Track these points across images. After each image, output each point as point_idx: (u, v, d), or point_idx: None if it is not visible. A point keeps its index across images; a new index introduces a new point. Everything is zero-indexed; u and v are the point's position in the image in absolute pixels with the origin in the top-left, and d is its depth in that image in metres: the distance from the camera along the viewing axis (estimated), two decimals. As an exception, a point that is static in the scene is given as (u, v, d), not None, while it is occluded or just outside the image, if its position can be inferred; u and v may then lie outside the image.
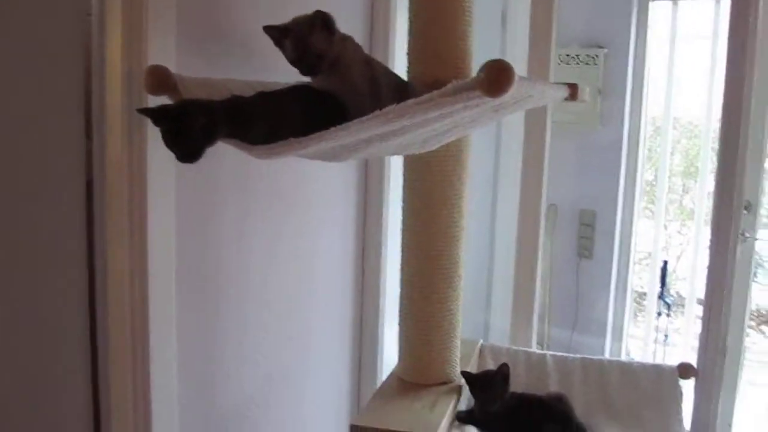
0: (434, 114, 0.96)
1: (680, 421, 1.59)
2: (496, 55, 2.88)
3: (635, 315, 3.85)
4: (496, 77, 0.91)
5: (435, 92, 0.94)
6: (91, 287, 1.37)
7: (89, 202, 1.35)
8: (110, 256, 1.31)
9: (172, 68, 1.27)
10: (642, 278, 3.63)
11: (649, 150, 3.56)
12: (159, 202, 1.32)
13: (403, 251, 1.52)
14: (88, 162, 1.34)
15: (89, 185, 1.35)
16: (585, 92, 1.50)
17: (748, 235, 3.12)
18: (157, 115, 1.06)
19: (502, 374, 1.53)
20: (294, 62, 1.21)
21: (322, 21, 1.20)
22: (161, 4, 1.28)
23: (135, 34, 1.24)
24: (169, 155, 1.32)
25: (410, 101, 0.95)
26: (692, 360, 1.69)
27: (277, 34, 1.22)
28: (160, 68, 1.16)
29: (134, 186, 1.27)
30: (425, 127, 1.02)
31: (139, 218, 1.28)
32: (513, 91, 0.91)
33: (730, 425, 3.31)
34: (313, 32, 1.19)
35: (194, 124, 1.03)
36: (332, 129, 1.00)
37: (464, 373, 1.55)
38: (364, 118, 0.98)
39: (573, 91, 1.43)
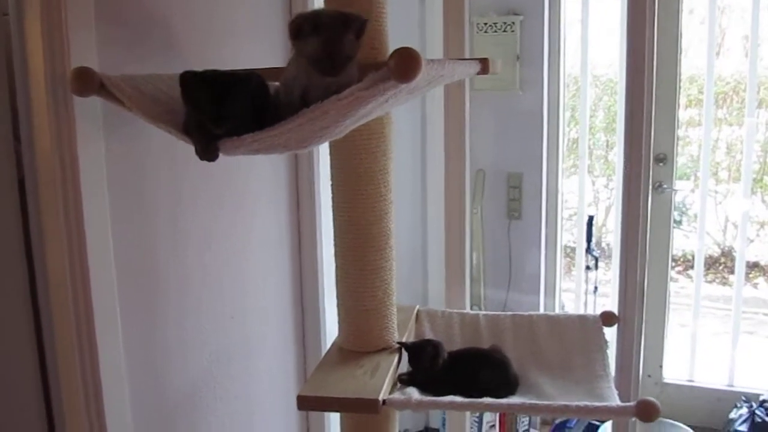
0: (356, 106, 1.02)
1: (606, 366, 1.69)
2: (414, 29, 2.94)
3: (569, 269, 4.00)
4: (405, 64, 0.97)
5: (353, 87, 1.00)
6: (32, 284, 1.38)
7: (23, 201, 1.36)
8: (49, 251, 1.33)
9: (95, 65, 1.30)
10: (573, 234, 3.77)
11: (572, 109, 3.68)
12: (92, 194, 1.34)
13: (335, 226, 1.58)
14: (18, 162, 1.35)
15: (21, 183, 1.36)
16: (496, 65, 1.57)
17: (665, 186, 3.29)
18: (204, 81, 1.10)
19: (432, 345, 1.61)
20: (317, 59, 1.09)
21: (359, 27, 1.11)
22: (79, 1, 1.29)
23: (55, 32, 1.25)
24: (98, 148, 1.36)
25: (333, 98, 1.01)
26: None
27: (308, 28, 1.10)
28: (84, 70, 1.18)
29: (67, 182, 1.29)
30: (351, 116, 1.07)
31: (75, 212, 1.31)
32: (422, 75, 0.98)
33: (661, 366, 3.50)
34: (347, 33, 1.10)
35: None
36: (267, 129, 1.07)
37: (399, 343, 1.64)
38: (295, 117, 1.04)
39: (484, 65, 1.50)
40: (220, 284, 1.81)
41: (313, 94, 1.08)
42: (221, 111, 1.08)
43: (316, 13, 1.13)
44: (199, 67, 1.14)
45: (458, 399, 1.47)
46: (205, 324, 1.76)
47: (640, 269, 1.73)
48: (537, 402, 1.46)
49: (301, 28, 1.10)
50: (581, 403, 1.40)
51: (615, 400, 1.52)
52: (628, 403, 1.40)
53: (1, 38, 1.33)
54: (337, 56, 1.08)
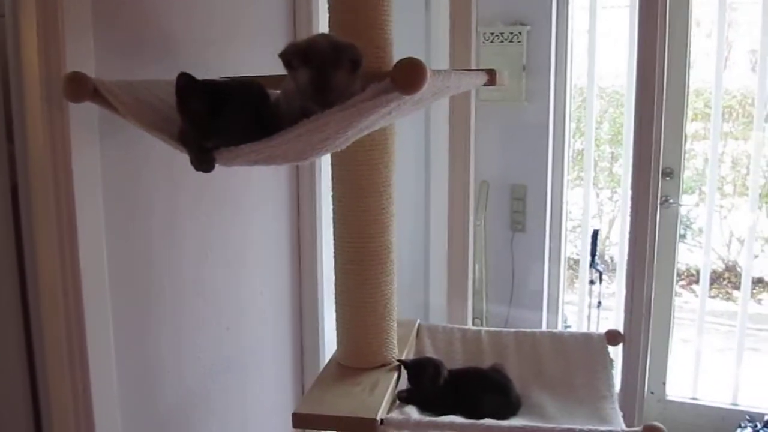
0: (358, 117, 0.98)
1: (610, 386, 1.65)
2: (420, 38, 2.91)
3: (572, 282, 3.96)
4: (409, 76, 0.93)
5: (356, 98, 0.97)
6: (23, 293, 1.35)
7: (15, 207, 1.33)
8: (40, 259, 1.30)
9: (91, 70, 1.27)
10: (577, 246, 3.73)
11: (578, 120, 3.64)
12: (86, 201, 1.31)
13: (335, 239, 1.55)
14: (12, 167, 1.32)
15: (14, 191, 1.33)
16: (503, 76, 1.53)
17: (672, 201, 3.25)
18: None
19: (433, 365, 1.58)
20: (307, 92, 1.08)
21: (351, 62, 1.09)
22: (76, 5, 1.26)
23: (51, 36, 1.22)
24: (93, 155, 1.33)
25: (335, 109, 0.98)
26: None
27: (298, 61, 1.08)
28: (77, 75, 1.15)
29: (60, 187, 1.26)
30: (353, 128, 1.04)
31: (67, 219, 1.27)
32: (428, 87, 0.94)
33: (664, 383, 3.46)
34: (338, 69, 1.07)
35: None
36: (265, 140, 1.03)
37: (399, 361, 1.61)
38: (295, 127, 1.00)
39: (491, 77, 1.46)
40: (217, 295, 1.78)
41: (313, 107, 1.05)
42: (212, 125, 1.05)
43: (308, 45, 1.10)
44: (200, 73, 1.10)
45: (458, 420, 1.43)
46: (200, 335, 1.72)
47: (647, 288, 1.70)
48: (540, 425, 1.42)
49: (292, 60, 1.08)
50: (585, 427, 1.36)
51: (620, 423, 1.49)
52: (633, 428, 1.36)
53: (-3, 40, 1.30)
54: (327, 91, 1.06)
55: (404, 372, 1.60)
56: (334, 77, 1.06)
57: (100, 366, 1.37)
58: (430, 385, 1.55)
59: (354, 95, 1.02)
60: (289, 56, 1.09)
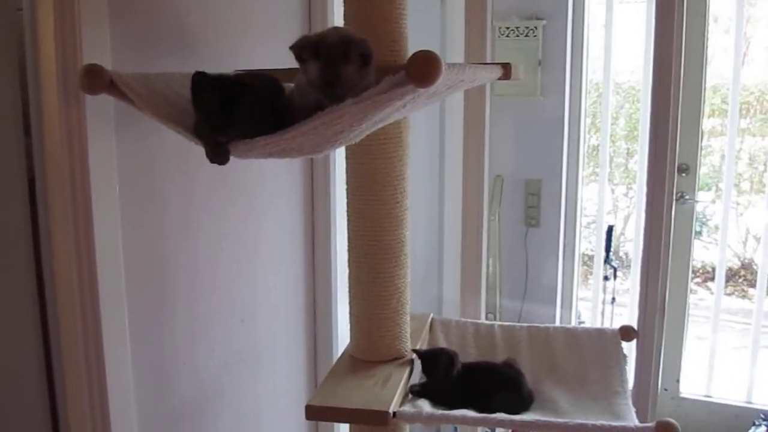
0: (372, 110, 0.98)
1: (623, 381, 1.64)
2: (435, 32, 2.89)
3: (586, 277, 3.94)
4: (424, 68, 0.93)
5: (370, 91, 0.97)
6: (40, 285, 1.37)
7: (32, 200, 1.34)
8: (57, 252, 1.31)
9: (108, 62, 1.27)
10: (591, 242, 3.72)
11: (594, 116, 3.62)
12: (102, 193, 1.32)
13: (348, 233, 1.55)
14: (29, 160, 1.33)
15: (31, 183, 1.34)
16: (519, 70, 1.53)
17: (687, 197, 3.23)
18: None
19: (447, 355, 1.58)
20: (317, 85, 1.08)
21: (361, 57, 1.08)
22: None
23: (68, 29, 1.23)
24: (109, 147, 1.33)
25: (349, 101, 0.98)
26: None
27: (308, 54, 1.09)
28: (94, 67, 1.15)
29: (76, 180, 1.27)
30: (367, 121, 1.04)
31: (83, 212, 1.29)
32: (442, 80, 0.94)
33: (678, 381, 3.44)
34: (348, 63, 1.07)
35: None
36: (280, 133, 1.04)
37: (414, 351, 1.60)
38: (309, 120, 1.01)
39: (506, 71, 1.46)
40: (231, 287, 1.78)
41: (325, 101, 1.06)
42: (226, 120, 1.06)
43: (319, 39, 1.10)
44: (214, 66, 1.11)
45: (470, 414, 1.43)
46: (214, 327, 1.73)
47: (661, 284, 1.69)
48: (552, 420, 1.42)
49: (302, 53, 1.09)
50: (598, 423, 1.35)
51: (633, 419, 1.47)
52: (646, 424, 1.35)
53: (14, 34, 1.31)
54: (336, 85, 1.06)
55: (417, 366, 1.60)
56: (344, 71, 1.06)
57: (116, 357, 1.38)
58: (444, 374, 1.55)
59: (368, 88, 1.02)
60: (299, 49, 1.09)
